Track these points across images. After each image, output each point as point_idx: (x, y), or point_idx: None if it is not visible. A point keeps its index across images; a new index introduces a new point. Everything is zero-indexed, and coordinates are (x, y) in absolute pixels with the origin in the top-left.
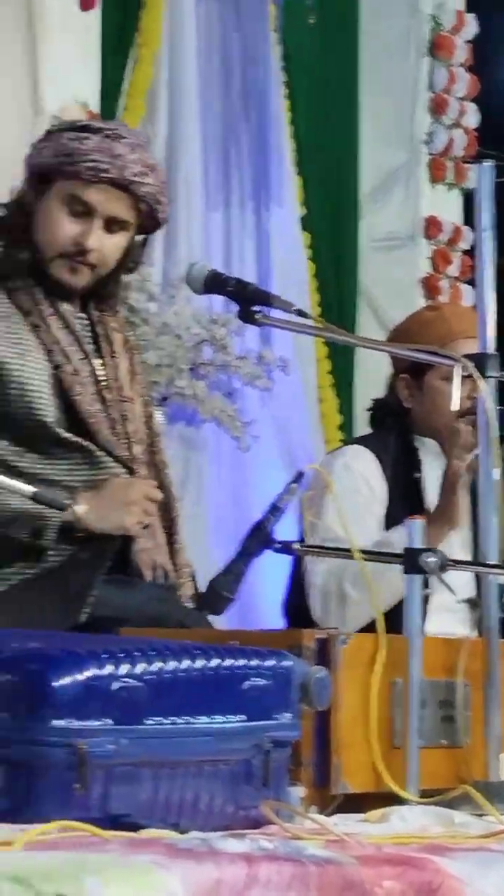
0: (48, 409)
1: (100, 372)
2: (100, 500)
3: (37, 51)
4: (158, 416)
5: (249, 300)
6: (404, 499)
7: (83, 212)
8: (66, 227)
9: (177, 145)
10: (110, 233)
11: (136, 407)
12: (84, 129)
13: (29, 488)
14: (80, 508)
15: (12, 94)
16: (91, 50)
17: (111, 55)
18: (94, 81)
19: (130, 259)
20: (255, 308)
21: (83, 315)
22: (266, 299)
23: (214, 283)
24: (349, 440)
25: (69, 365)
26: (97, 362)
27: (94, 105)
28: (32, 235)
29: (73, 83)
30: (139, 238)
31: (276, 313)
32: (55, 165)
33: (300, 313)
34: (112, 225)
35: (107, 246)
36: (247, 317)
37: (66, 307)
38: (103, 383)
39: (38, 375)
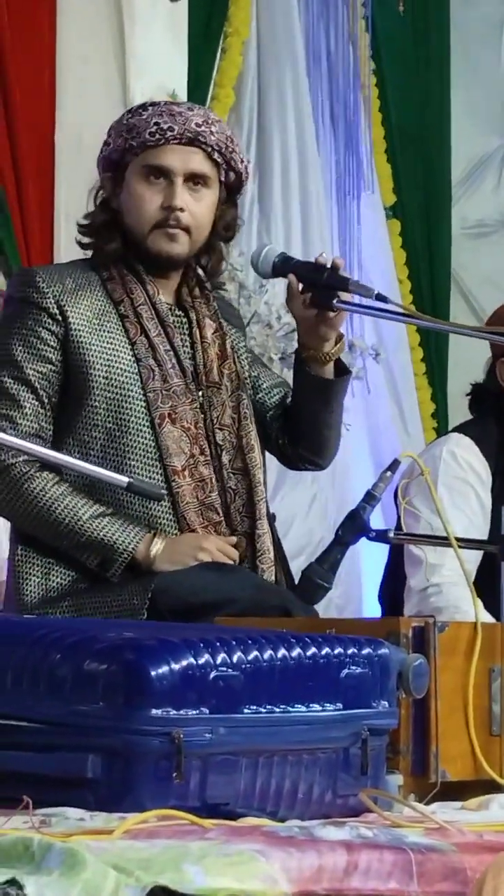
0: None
1: (187, 362)
2: (172, 544)
3: (125, 42)
4: None
5: (325, 286)
6: None
7: (161, 178)
8: (150, 199)
9: (265, 134)
10: (195, 192)
11: (222, 392)
12: (139, 108)
13: (124, 479)
14: (155, 548)
15: (102, 85)
16: (179, 40)
17: (199, 45)
18: (182, 71)
19: (223, 223)
20: (332, 293)
21: (173, 304)
22: (343, 284)
23: (285, 267)
24: (454, 428)
25: (150, 359)
26: (187, 350)
27: (183, 95)
28: (119, 227)
29: (161, 73)
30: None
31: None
32: (121, 146)
33: (380, 297)
34: (194, 182)
35: (195, 205)
36: (322, 302)
37: (159, 297)
38: (190, 371)
39: (123, 373)
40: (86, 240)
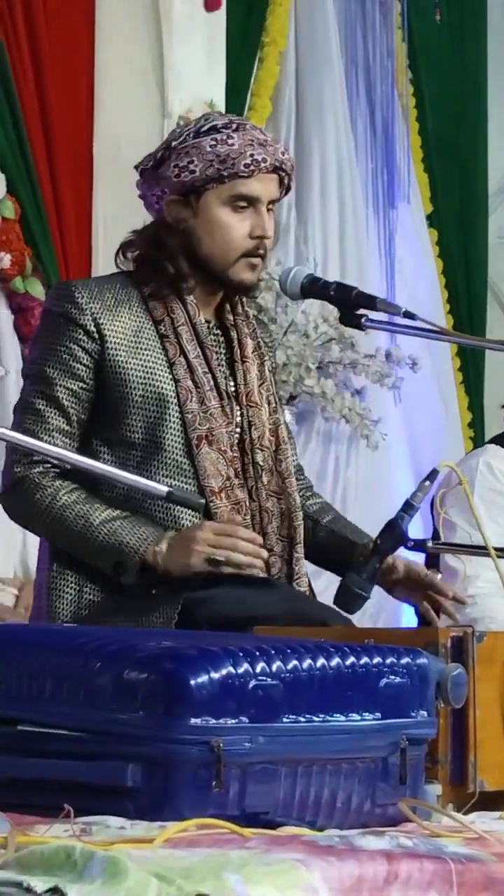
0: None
1: (228, 382)
2: (171, 549)
3: (163, 52)
4: (287, 416)
5: (353, 304)
6: None
7: (245, 206)
8: (238, 227)
9: (303, 143)
10: (268, 217)
11: (262, 413)
12: (212, 130)
13: (163, 488)
14: (160, 548)
15: (140, 96)
16: (216, 50)
17: (237, 55)
18: (220, 81)
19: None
20: (360, 312)
21: (209, 323)
22: (371, 303)
23: (313, 289)
24: (491, 440)
25: (189, 380)
26: (223, 370)
27: (220, 105)
28: (183, 251)
29: (199, 84)
30: None
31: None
32: (213, 175)
33: (408, 315)
34: (268, 208)
35: (272, 231)
36: (350, 321)
37: (199, 317)
38: (231, 391)
39: (161, 393)
40: (131, 252)
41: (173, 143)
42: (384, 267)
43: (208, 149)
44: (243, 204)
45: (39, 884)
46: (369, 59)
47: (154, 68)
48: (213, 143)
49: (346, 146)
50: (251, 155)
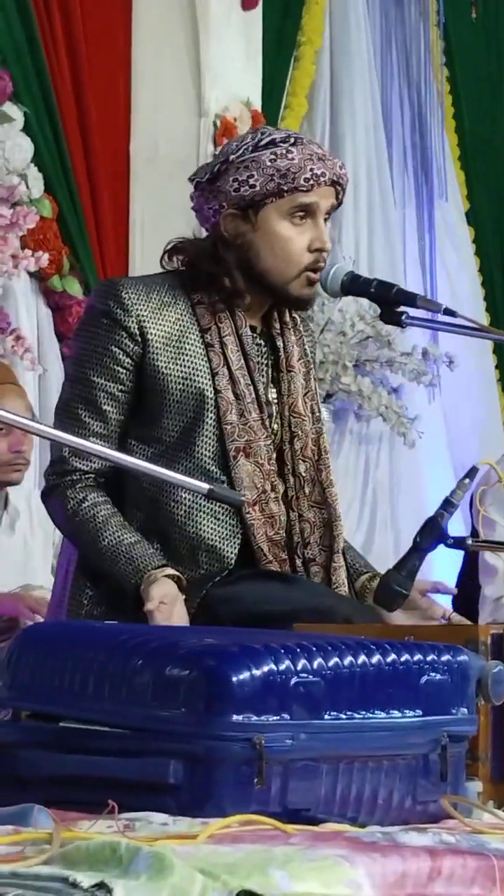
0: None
1: (271, 392)
2: (176, 600)
3: (199, 51)
4: (324, 414)
5: (393, 302)
6: None
7: (304, 216)
8: (297, 240)
9: (338, 142)
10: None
11: (305, 424)
12: (271, 144)
13: (204, 485)
14: (156, 591)
15: (177, 95)
16: (253, 49)
17: (273, 54)
18: (256, 80)
19: None
20: (400, 310)
21: (255, 330)
22: (411, 300)
23: (354, 286)
24: None
25: (230, 392)
26: (263, 381)
27: (257, 104)
28: (240, 266)
29: (235, 83)
30: None
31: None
32: (273, 189)
33: (448, 312)
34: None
35: (329, 242)
36: (390, 319)
37: (245, 329)
38: (274, 401)
39: (199, 400)
40: (178, 257)
41: (231, 157)
42: (426, 264)
43: (268, 163)
44: (302, 214)
45: (85, 879)
46: (406, 57)
47: (190, 67)
48: (273, 157)
49: (379, 145)
50: (311, 169)
